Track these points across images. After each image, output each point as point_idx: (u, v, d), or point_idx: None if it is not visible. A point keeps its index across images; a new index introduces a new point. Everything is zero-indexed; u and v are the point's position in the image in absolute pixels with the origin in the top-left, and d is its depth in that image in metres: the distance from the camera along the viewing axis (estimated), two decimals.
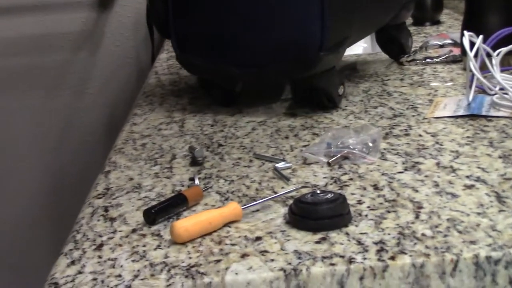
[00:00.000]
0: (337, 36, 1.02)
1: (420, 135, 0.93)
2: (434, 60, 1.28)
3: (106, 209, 0.79)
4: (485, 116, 0.97)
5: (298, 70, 1.01)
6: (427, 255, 0.62)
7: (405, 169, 0.82)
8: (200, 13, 1.06)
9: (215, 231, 0.71)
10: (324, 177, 0.82)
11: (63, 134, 2.11)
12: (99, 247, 0.70)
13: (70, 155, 2.12)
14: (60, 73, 2.06)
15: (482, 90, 1.06)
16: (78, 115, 2.10)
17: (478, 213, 0.69)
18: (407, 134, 0.94)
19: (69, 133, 2.11)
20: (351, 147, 0.87)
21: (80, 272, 0.65)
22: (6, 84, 2.06)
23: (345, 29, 1.04)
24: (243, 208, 0.73)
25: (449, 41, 1.37)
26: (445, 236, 0.65)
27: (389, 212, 0.72)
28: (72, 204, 2.09)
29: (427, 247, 0.64)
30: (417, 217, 0.70)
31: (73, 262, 0.68)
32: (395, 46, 1.30)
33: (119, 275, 0.64)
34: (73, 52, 2.04)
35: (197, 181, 0.83)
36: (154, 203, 0.78)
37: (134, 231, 0.73)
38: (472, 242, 0.64)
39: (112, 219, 0.77)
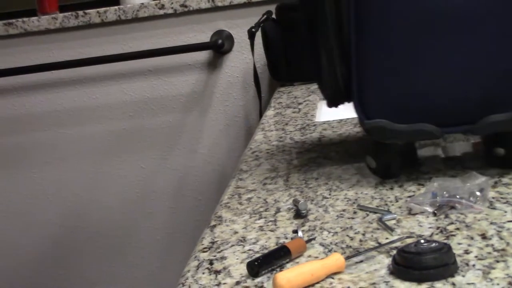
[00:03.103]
0: None
1: None
2: None
3: (211, 262, 0.81)
4: None
5: None
6: None
7: None
8: (397, 73, 0.95)
9: (317, 282, 0.71)
10: (430, 227, 0.80)
11: (177, 194, 2.16)
12: None
13: (184, 214, 2.17)
14: (172, 133, 2.13)
15: None
16: (191, 174, 2.15)
17: None
18: None
19: (182, 192, 2.16)
20: (458, 197, 0.85)
21: None
22: (122, 146, 2.14)
23: None
24: (346, 259, 0.73)
25: None
26: None
27: (498, 262, 0.69)
28: (184, 260, 2.13)
29: None
30: None
31: None
32: None
33: None
34: (185, 113, 2.11)
35: (300, 233, 0.84)
36: (258, 255, 0.79)
37: (238, 283, 0.74)
38: None
39: (217, 272, 0.78)
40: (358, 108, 0.99)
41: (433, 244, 0.70)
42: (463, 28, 0.92)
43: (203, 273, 0.78)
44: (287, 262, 0.77)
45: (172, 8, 2.02)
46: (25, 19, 2.05)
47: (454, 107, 0.94)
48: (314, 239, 0.82)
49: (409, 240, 0.77)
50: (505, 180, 0.92)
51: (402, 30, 0.94)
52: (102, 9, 2.04)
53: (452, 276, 0.67)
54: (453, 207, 0.84)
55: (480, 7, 0.91)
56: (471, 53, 0.92)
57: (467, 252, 0.73)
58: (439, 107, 0.94)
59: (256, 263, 0.75)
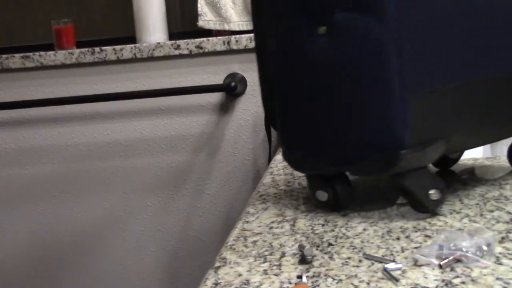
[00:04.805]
0: (423, 135, 1.00)
1: None
2: None
3: None
4: None
5: (381, 168, 1.01)
6: None
7: None
8: (300, 109, 1.07)
9: None
10: (435, 279, 0.80)
11: (182, 233, 2.16)
12: None
13: (188, 254, 2.16)
14: (180, 173, 2.13)
15: None
16: (197, 215, 2.15)
17: None
18: None
19: (187, 232, 2.16)
20: (464, 250, 0.85)
21: None
22: (129, 183, 2.15)
23: (435, 129, 1.01)
24: None
25: None
26: None
27: None
28: None
29: None
30: None
31: None
32: None
33: None
34: (194, 154, 2.12)
35: (304, 279, 0.83)
36: None
37: None
38: None
39: None
40: (280, 140, 1.11)
41: None
42: (340, 80, 1.01)
43: None
44: None
45: (187, 49, 2.04)
46: (41, 52, 2.08)
47: (339, 148, 1.03)
48: (318, 285, 0.82)
49: None
50: None
51: (296, 74, 1.06)
52: (118, 47, 2.06)
53: None
54: (459, 261, 0.84)
55: (348, 63, 1.00)
56: (348, 99, 1.01)
57: None
58: (329, 147, 1.05)
59: None
